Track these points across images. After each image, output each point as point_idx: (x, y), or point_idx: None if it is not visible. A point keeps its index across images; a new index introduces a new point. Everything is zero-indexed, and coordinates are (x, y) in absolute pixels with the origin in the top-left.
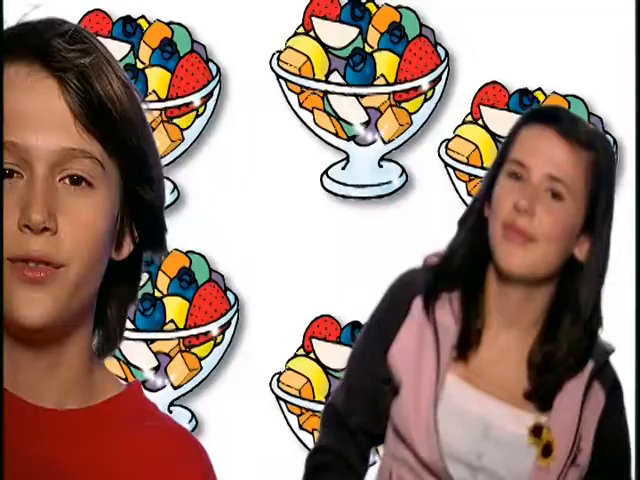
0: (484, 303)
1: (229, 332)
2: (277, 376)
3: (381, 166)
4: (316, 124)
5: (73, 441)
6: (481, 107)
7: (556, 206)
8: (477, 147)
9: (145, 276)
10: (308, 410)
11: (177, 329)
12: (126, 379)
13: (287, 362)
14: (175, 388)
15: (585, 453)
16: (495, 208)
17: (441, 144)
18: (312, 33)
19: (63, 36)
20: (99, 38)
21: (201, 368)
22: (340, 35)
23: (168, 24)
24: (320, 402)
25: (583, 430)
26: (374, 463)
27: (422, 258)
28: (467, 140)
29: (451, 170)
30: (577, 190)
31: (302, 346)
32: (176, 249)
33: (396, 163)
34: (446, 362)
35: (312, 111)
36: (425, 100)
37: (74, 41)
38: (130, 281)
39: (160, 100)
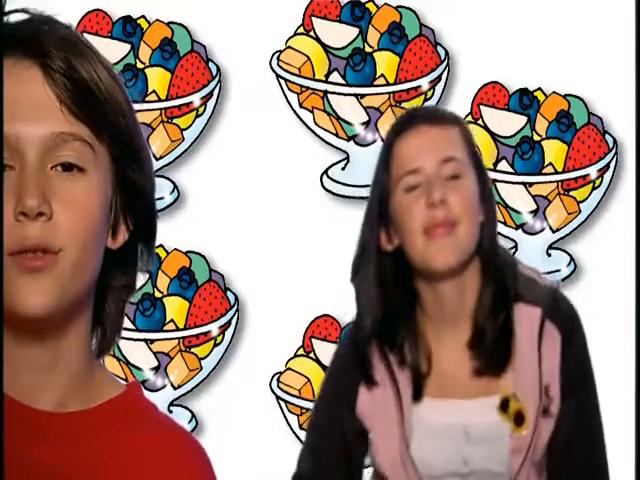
0: (420, 322)
1: (229, 332)
2: (277, 376)
3: None
4: (316, 124)
5: (74, 444)
6: (481, 107)
7: (459, 184)
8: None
9: (145, 276)
10: (308, 410)
11: (177, 329)
12: (126, 379)
13: (287, 362)
14: (175, 388)
15: (555, 400)
16: (406, 224)
17: None
18: (312, 33)
19: (43, 25)
20: (99, 38)
21: (201, 368)
22: (340, 35)
23: (168, 24)
24: None
25: (548, 379)
26: None
27: None
28: None
29: None
30: (465, 162)
31: (302, 346)
32: (176, 249)
33: None
34: (408, 399)
35: (312, 111)
36: (425, 100)
37: (54, 29)
38: (127, 273)
39: (160, 100)
